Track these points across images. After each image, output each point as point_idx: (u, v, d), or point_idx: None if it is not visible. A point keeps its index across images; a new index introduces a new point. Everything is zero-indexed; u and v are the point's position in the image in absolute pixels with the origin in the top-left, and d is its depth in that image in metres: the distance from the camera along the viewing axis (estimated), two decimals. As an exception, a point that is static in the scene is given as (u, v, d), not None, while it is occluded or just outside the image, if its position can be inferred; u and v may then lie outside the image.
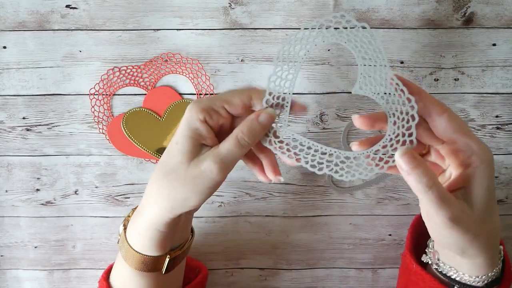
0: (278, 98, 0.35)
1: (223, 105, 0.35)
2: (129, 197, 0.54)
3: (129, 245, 0.39)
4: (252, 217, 0.55)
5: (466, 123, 0.33)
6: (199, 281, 0.48)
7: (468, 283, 0.38)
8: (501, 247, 0.39)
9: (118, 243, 0.41)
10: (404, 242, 0.55)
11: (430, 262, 0.41)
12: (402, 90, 0.33)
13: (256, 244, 0.56)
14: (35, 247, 0.55)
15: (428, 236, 0.39)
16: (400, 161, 0.32)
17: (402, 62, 0.50)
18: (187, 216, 0.40)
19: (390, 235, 0.55)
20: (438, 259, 0.40)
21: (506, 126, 0.52)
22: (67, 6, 0.49)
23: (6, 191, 0.54)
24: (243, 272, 0.56)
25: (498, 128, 0.52)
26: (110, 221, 0.54)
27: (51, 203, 0.54)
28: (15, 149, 0.52)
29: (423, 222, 0.36)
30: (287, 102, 0.35)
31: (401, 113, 0.33)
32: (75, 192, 0.54)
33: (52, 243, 0.55)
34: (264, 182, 0.39)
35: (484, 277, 0.38)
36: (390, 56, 0.50)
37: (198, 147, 0.35)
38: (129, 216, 0.42)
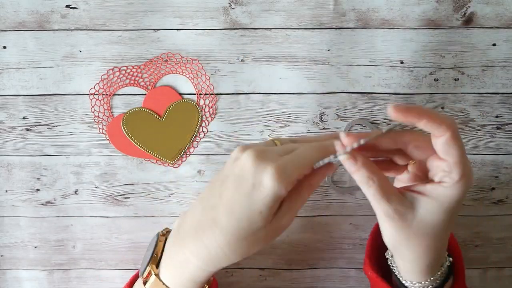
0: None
1: (305, 169, 0.35)
2: (129, 197, 0.54)
3: None
4: (252, 217, 0.55)
5: (463, 147, 0.34)
6: None
7: (407, 285, 0.40)
8: (450, 259, 0.40)
9: (144, 284, 0.40)
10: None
11: (387, 257, 0.42)
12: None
13: (256, 244, 0.55)
14: (35, 247, 0.55)
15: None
16: (346, 164, 0.35)
17: (402, 62, 0.50)
18: None
19: (390, 235, 0.55)
20: (392, 256, 0.41)
21: (506, 126, 0.52)
22: (67, 6, 0.49)
23: (6, 191, 0.54)
24: (243, 272, 0.56)
25: (498, 128, 0.52)
26: (110, 221, 0.54)
27: (51, 203, 0.54)
28: (15, 149, 0.52)
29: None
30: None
31: None
32: (75, 192, 0.54)
33: (52, 243, 0.55)
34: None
35: (417, 284, 0.39)
36: (390, 56, 0.50)
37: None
38: (156, 258, 0.41)
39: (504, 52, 0.50)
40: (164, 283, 0.39)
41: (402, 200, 0.35)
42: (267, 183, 0.33)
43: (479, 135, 0.52)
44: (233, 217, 0.34)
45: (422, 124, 0.32)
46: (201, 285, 0.39)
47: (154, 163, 0.53)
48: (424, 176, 0.38)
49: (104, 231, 0.55)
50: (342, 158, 0.34)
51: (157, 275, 0.39)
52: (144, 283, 0.40)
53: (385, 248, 0.42)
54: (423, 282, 0.39)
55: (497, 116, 0.52)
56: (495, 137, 0.52)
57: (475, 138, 0.52)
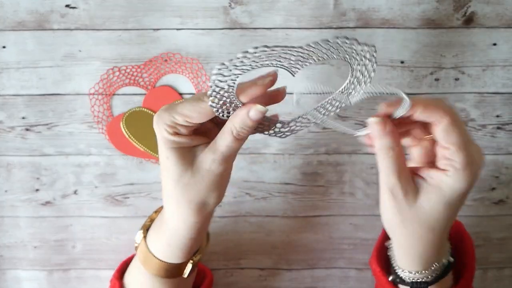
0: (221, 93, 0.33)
1: (185, 120, 0.33)
2: (128, 197, 0.54)
3: (153, 255, 0.39)
4: (252, 217, 0.55)
5: (465, 132, 0.32)
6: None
7: (399, 273, 0.40)
8: (451, 259, 0.39)
9: (136, 250, 0.41)
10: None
11: (388, 246, 0.42)
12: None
13: (256, 244, 0.55)
14: (35, 247, 0.55)
15: None
16: (374, 127, 0.33)
17: (402, 62, 0.50)
18: (210, 216, 0.40)
19: (390, 235, 0.55)
20: (390, 244, 0.41)
21: (507, 126, 0.52)
22: (67, 5, 0.49)
23: (6, 191, 0.54)
24: (243, 272, 0.56)
25: (498, 128, 0.52)
26: (110, 221, 0.54)
27: (51, 203, 0.54)
28: (15, 149, 0.52)
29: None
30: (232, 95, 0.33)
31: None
32: (75, 192, 0.54)
33: (52, 243, 0.55)
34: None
35: (407, 273, 0.38)
36: (390, 56, 0.50)
37: (190, 151, 0.35)
38: (147, 225, 0.42)
39: (505, 52, 0.50)
40: (147, 247, 0.40)
41: (410, 181, 0.34)
42: (155, 129, 0.34)
43: (480, 135, 0.52)
44: (162, 171, 0.36)
45: (418, 114, 0.32)
46: (178, 252, 0.39)
47: (154, 163, 0.53)
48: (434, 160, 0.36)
49: (104, 231, 0.55)
50: (372, 120, 0.33)
51: (144, 237, 0.41)
52: (136, 249, 0.42)
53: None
54: (413, 273, 0.38)
55: (497, 116, 0.52)
56: (496, 137, 0.52)
57: (476, 138, 0.52)
